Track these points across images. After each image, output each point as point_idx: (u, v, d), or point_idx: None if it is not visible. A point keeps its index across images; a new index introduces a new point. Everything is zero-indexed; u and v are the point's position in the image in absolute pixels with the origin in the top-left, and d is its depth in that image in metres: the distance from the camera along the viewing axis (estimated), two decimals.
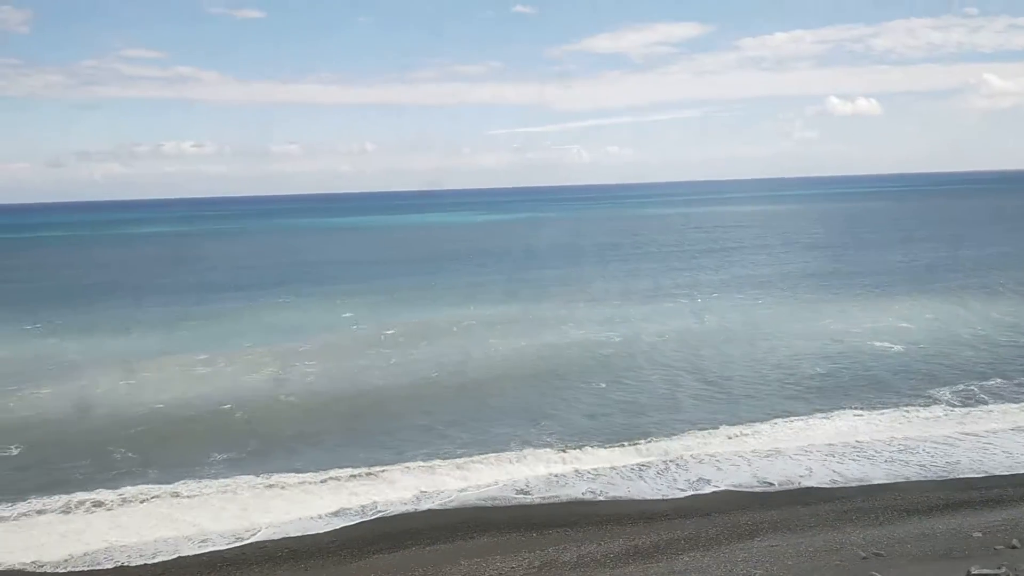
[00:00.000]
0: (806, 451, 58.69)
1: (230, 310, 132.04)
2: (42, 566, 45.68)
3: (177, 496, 54.04)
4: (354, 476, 56.10)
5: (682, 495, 52.57)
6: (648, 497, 52.49)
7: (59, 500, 55.09)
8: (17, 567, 46.16)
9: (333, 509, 51.03)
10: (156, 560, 45.75)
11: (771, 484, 53.59)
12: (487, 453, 59.96)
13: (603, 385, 78.11)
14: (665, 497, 52.38)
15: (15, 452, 65.70)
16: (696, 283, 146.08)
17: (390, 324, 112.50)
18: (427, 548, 45.39)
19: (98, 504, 54.07)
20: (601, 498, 52.55)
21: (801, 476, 54.57)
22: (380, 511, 51.30)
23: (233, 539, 47.93)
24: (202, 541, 47.70)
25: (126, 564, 45.57)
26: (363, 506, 51.79)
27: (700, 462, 57.54)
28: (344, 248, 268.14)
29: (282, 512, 50.65)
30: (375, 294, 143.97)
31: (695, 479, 54.69)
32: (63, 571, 45.37)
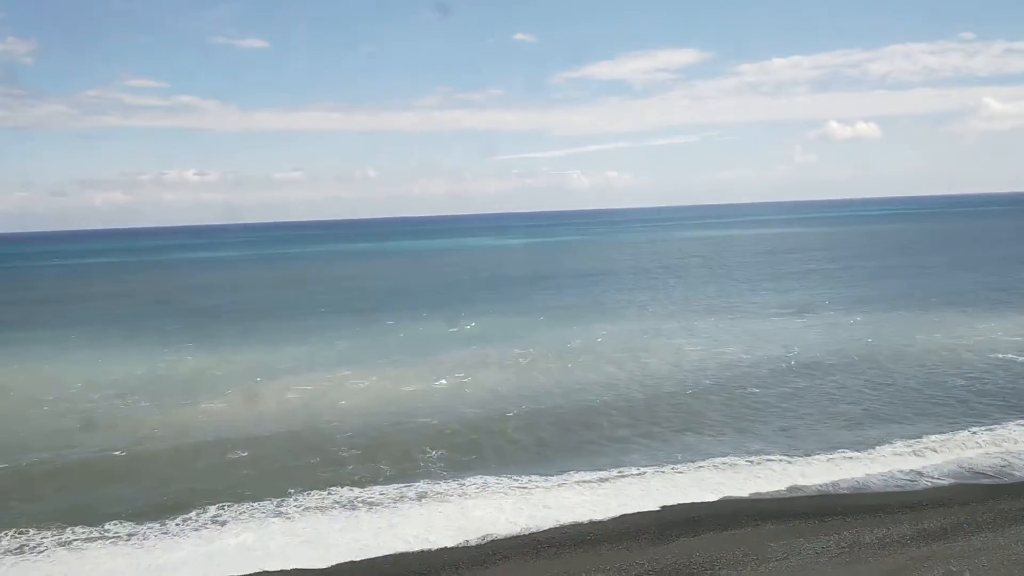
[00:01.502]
0: None
1: (382, 325, 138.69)
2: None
3: (465, 496, 59.38)
4: (634, 474, 61.78)
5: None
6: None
7: (343, 493, 60.26)
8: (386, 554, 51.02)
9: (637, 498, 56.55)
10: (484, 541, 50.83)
11: None
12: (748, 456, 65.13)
13: (829, 391, 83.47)
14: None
15: (248, 455, 70.75)
16: (803, 302, 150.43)
17: (543, 341, 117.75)
18: (729, 532, 50.41)
19: (401, 498, 59.25)
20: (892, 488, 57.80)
21: None
22: (665, 503, 56.48)
23: (542, 525, 53.09)
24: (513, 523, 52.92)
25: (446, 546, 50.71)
26: (643, 498, 56.88)
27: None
28: (411, 271, 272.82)
29: (576, 504, 55.76)
30: (493, 313, 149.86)
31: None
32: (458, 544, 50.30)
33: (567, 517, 54.78)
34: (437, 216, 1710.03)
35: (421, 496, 61.63)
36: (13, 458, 72.32)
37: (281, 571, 48.98)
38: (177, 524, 58.56)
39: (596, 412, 78.87)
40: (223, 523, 59.33)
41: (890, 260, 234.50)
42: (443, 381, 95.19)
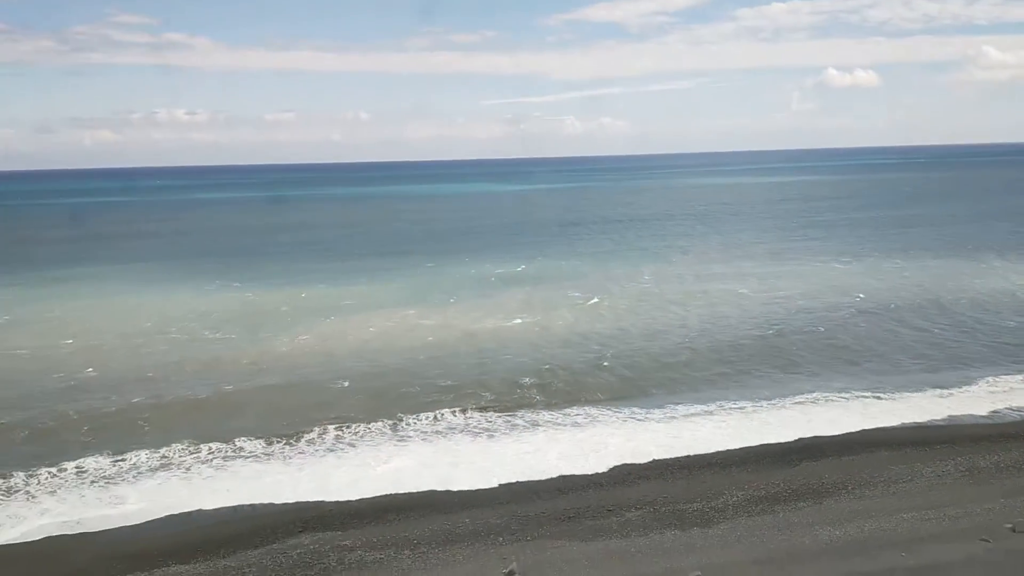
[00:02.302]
0: None
1: (424, 268, 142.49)
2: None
3: (577, 426, 63.36)
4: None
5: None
6: None
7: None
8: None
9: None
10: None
11: None
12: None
13: (904, 332, 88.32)
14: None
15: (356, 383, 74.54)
16: (841, 248, 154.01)
17: (598, 284, 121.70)
18: (847, 458, 54.65)
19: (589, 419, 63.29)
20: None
21: None
22: (779, 433, 60.61)
23: (668, 453, 57.16)
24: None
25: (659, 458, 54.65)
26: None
27: None
28: (432, 216, 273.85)
29: (693, 434, 60.02)
30: (540, 257, 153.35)
31: None
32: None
33: (690, 446, 58.70)
34: (430, 161, 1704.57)
35: (533, 425, 65.54)
36: (131, 390, 75.94)
37: (447, 491, 52.89)
38: (308, 444, 62.55)
39: (684, 351, 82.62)
40: (352, 444, 63.12)
41: (911, 209, 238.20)
42: (517, 320, 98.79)
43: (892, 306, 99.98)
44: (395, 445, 62.75)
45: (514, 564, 41.79)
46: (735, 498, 49.50)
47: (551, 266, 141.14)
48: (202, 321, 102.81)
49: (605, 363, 79.44)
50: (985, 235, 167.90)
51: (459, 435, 64.06)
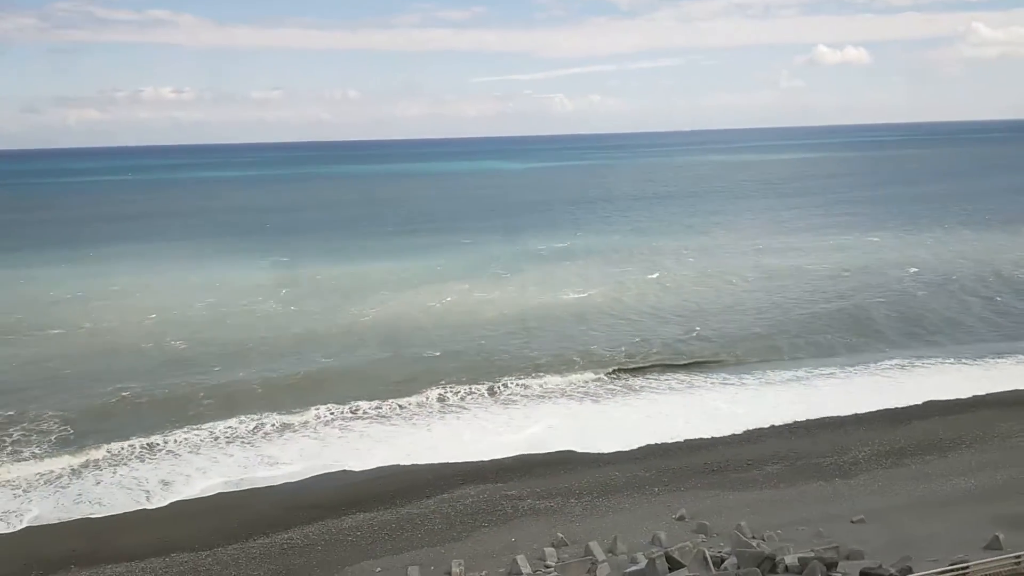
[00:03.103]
0: None
1: (461, 244, 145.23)
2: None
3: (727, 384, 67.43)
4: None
5: None
6: None
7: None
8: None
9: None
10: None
11: None
12: None
13: (977, 301, 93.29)
14: None
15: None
16: (877, 224, 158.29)
17: (651, 258, 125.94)
18: (953, 417, 58.78)
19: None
20: None
21: None
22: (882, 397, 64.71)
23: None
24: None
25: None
26: None
27: None
28: (447, 194, 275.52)
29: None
30: (582, 232, 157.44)
31: None
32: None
33: (800, 409, 62.46)
34: (421, 139, 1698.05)
35: (631, 390, 69.43)
36: (232, 361, 79.41)
37: (585, 452, 56.62)
38: (419, 407, 66.29)
39: (764, 322, 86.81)
40: (463, 407, 66.71)
41: (927, 186, 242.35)
42: (581, 294, 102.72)
43: (953, 276, 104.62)
44: (507, 408, 66.47)
45: (683, 510, 45.58)
46: (863, 453, 53.39)
47: (596, 241, 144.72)
48: (271, 295, 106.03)
49: (693, 333, 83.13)
50: (1010, 209, 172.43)
51: (565, 399, 67.86)
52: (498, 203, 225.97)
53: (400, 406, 67.17)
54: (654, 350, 77.79)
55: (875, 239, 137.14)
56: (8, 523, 48.31)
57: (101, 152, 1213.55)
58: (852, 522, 42.68)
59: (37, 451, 59.40)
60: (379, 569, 40.35)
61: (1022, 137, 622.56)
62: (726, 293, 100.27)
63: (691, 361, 74.68)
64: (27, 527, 47.78)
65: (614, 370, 73.16)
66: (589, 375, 72.30)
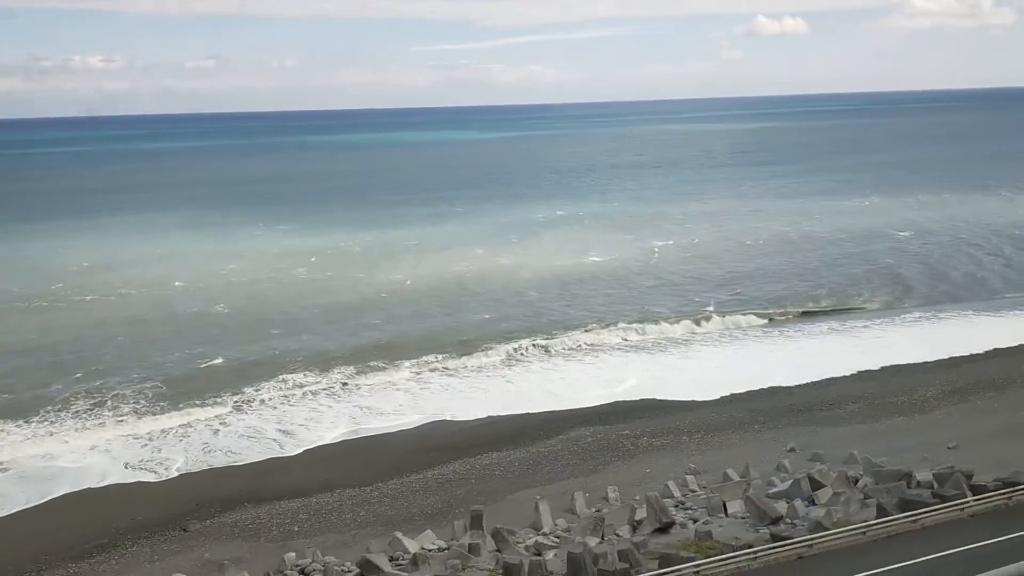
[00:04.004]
0: None
1: (454, 212, 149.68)
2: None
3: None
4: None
5: None
6: None
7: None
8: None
9: None
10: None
11: None
12: None
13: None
14: None
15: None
16: (860, 188, 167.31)
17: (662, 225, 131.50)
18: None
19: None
20: None
21: None
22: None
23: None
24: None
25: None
26: None
27: None
28: (421, 164, 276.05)
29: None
30: (597, 201, 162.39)
31: None
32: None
33: (858, 358, 68.46)
34: (361, 110, 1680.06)
35: (687, 343, 75.09)
36: (286, 323, 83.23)
37: (678, 399, 61.89)
38: (492, 364, 70.83)
39: (795, 278, 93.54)
40: (534, 363, 71.53)
41: (894, 154, 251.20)
42: (602, 258, 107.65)
43: (961, 236, 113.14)
44: (572, 362, 71.60)
45: (792, 443, 51.03)
46: (930, 393, 59.43)
47: (597, 209, 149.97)
48: (298, 263, 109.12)
49: (735, 293, 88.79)
50: (978, 174, 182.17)
51: (635, 352, 73.12)
52: (480, 173, 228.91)
53: (473, 363, 71.51)
54: (697, 309, 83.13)
55: (866, 203, 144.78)
56: (158, 473, 51.80)
57: (27, 124, 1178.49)
58: (948, 448, 48.52)
59: (140, 409, 62.50)
60: (539, 496, 44.87)
61: (961, 107, 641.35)
62: (748, 256, 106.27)
63: (741, 315, 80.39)
64: (180, 475, 51.36)
65: (673, 323, 78.65)
66: (648, 331, 77.44)
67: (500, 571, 34.72)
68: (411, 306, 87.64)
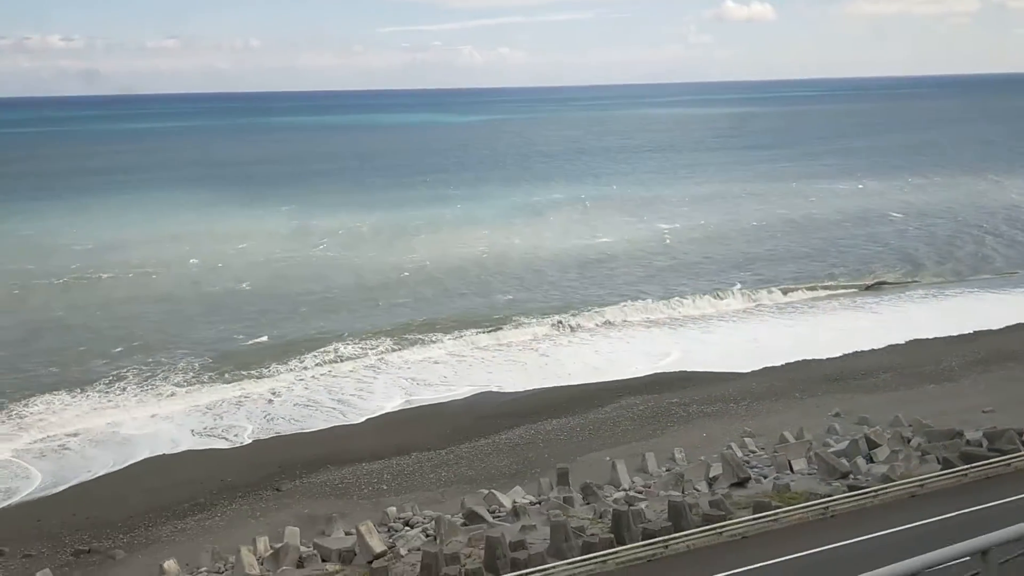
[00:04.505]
0: None
1: (449, 195, 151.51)
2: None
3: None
4: None
5: None
6: None
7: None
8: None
9: None
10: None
11: None
12: None
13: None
14: None
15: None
16: (860, 171, 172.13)
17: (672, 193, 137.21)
18: None
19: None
20: None
21: None
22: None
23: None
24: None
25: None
26: None
27: None
28: (405, 146, 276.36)
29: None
30: (602, 183, 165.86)
31: None
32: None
33: (882, 332, 72.12)
34: (328, 91, 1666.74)
35: (708, 319, 78.13)
36: (326, 308, 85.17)
37: (712, 371, 65.03)
38: (528, 340, 73.54)
39: (843, 262, 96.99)
40: (565, 338, 74.48)
41: (876, 139, 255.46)
42: (625, 237, 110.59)
43: (958, 217, 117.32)
44: (612, 336, 74.59)
45: (836, 408, 54.36)
46: (954, 363, 63.06)
47: (596, 192, 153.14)
48: (307, 243, 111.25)
49: (758, 276, 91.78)
50: (963, 158, 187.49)
51: (668, 328, 76.30)
52: (471, 156, 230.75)
53: (507, 339, 74.15)
54: (720, 287, 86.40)
55: (860, 186, 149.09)
56: (230, 440, 54.09)
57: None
58: (984, 412, 51.98)
59: (190, 381, 64.49)
60: (607, 458, 47.76)
61: (927, 94, 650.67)
62: (758, 237, 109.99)
63: (766, 292, 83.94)
64: (253, 441, 53.69)
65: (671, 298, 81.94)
66: (675, 308, 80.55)
67: (598, 520, 37.63)
68: (436, 285, 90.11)
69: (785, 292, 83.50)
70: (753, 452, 47.87)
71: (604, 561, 28.64)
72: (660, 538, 30.49)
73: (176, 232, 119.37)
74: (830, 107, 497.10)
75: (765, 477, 43.27)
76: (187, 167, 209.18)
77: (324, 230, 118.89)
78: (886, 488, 37.25)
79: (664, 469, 46.15)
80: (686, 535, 31.03)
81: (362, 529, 36.27)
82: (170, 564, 36.16)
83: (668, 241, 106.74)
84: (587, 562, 29.36)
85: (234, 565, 35.07)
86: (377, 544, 35.57)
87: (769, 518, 30.90)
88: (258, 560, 35.41)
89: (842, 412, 53.39)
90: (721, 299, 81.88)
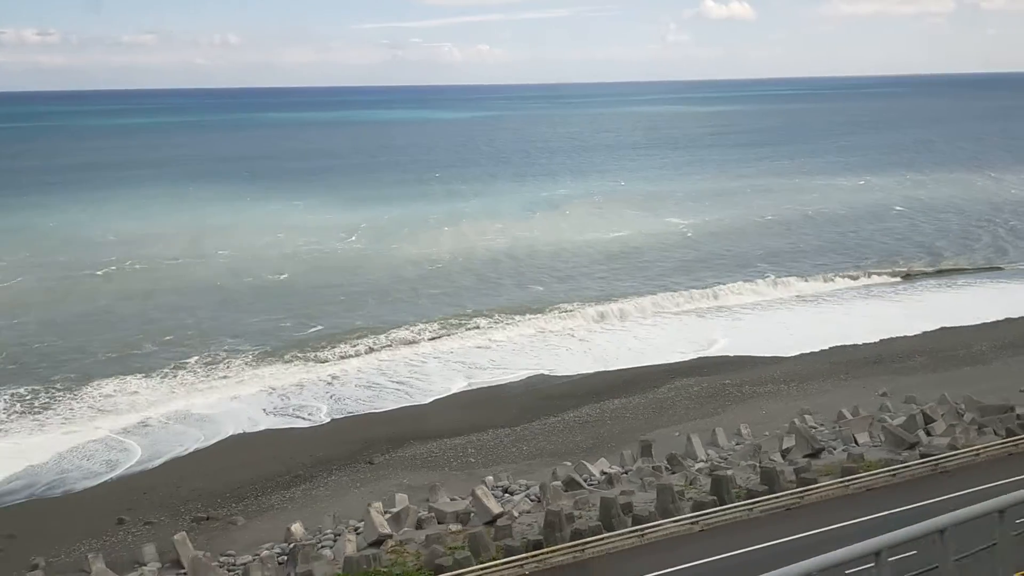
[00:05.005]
0: None
1: (457, 188, 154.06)
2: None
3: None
4: None
5: None
6: None
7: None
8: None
9: None
10: None
11: None
12: None
13: None
14: None
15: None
16: (875, 166, 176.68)
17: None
18: None
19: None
20: None
21: None
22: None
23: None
24: None
25: None
26: None
27: None
28: (411, 141, 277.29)
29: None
30: (612, 178, 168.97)
31: None
32: None
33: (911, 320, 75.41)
34: (308, 87, 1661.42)
35: (807, 305, 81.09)
36: (369, 296, 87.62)
37: (762, 355, 68.05)
38: (567, 327, 76.24)
39: (866, 252, 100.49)
40: (635, 318, 77.37)
41: (867, 136, 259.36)
42: (642, 230, 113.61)
43: (965, 211, 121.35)
44: (649, 324, 77.50)
45: (885, 388, 57.48)
46: (984, 347, 66.43)
47: (605, 187, 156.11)
48: (334, 236, 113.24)
49: (784, 269, 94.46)
50: (957, 155, 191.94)
51: (711, 316, 79.31)
52: (473, 152, 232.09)
53: (550, 327, 76.64)
54: (749, 277, 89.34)
55: (862, 182, 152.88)
56: (308, 419, 56.51)
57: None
58: (1021, 391, 55.24)
59: (252, 366, 66.66)
60: (677, 433, 50.69)
61: (906, 93, 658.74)
62: (776, 231, 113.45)
63: (802, 281, 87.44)
64: (331, 420, 56.13)
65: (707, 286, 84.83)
66: (707, 298, 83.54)
67: (690, 485, 40.51)
68: (471, 276, 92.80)
69: (815, 280, 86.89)
70: (814, 428, 50.87)
71: (751, 508, 31.89)
72: (798, 488, 34.36)
73: (199, 225, 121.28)
74: (813, 106, 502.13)
75: (834, 449, 46.37)
76: (193, 162, 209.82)
77: (345, 224, 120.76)
78: (954, 455, 40.55)
79: (734, 443, 49.08)
80: (818, 487, 35.41)
81: (478, 492, 38.90)
82: (296, 527, 38.66)
83: (689, 235, 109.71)
84: (734, 510, 32.90)
85: (364, 525, 37.56)
86: (494, 506, 38.24)
87: (887, 473, 34.30)
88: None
89: (888, 392, 56.53)
90: (753, 289, 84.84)
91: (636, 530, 33.39)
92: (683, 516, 34.64)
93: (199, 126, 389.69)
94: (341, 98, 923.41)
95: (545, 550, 32.56)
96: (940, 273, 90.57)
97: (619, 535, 32.67)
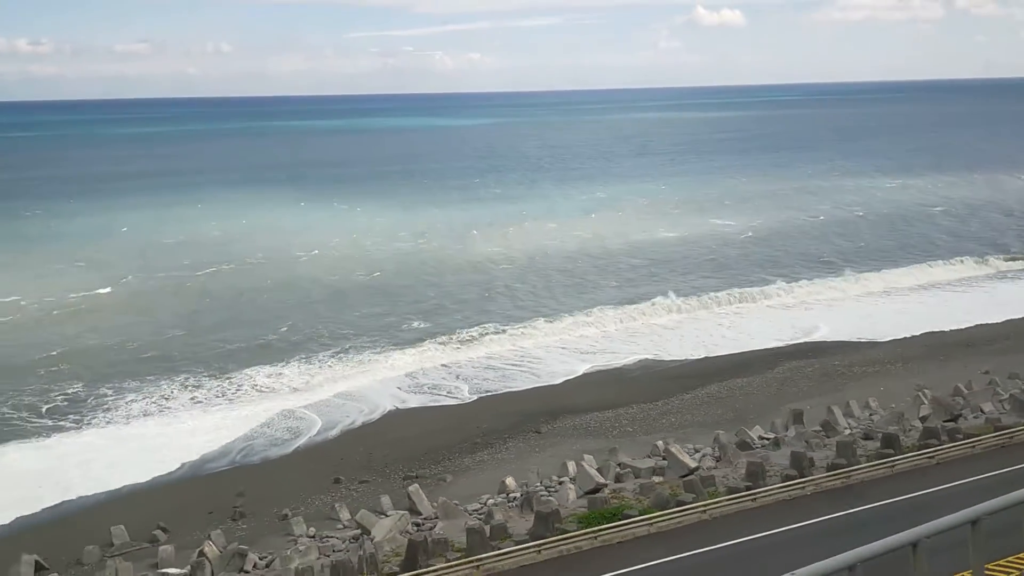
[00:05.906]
0: None
1: (488, 192, 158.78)
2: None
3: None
4: None
5: None
6: None
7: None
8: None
9: None
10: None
11: None
12: None
13: None
14: None
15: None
16: (881, 170, 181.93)
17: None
18: None
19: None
20: None
21: None
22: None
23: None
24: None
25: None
26: None
27: None
28: (446, 148, 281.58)
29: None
30: (639, 181, 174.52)
31: None
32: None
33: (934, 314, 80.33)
34: (300, 96, 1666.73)
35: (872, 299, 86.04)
36: (455, 282, 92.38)
37: (859, 340, 72.86)
38: (649, 321, 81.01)
39: (868, 239, 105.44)
40: (713, 309, 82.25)
41: (880, 140, 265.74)
42: (685, 232, 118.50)
43: (1013, 209, 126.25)
44: (737, 314, 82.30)
45: (987, 367, 62.29)
46: (1005, 345, 70.50)
47: (639, 189, 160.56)
48: (404, 238, 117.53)
49: (837, 273, 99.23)
50: (974, 158, 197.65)
51: (800, 307, 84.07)
52: (503, 159, 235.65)
53: (647, 316, 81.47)
54: (827, 272, 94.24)
55: (896, 183, 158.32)
56: (455, 398, 61.12)
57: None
58: None
59: (380, 354, 70.94)
60: (809, 407, 55.30)
61: (902, 98, 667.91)
62: (835, 231, 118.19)
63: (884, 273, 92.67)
64: (477, 398, 60.72)
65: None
66: (791, 291, 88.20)
67: (852, 444, 45.27)
68: (554, 273, 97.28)
69: (889, 273, 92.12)
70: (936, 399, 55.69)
71: (931, 456, 36.63)
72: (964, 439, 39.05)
73: (269, 228, 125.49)
74: (813, 111, 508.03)
75: (965, 416, 51.16)
76: (226, 171, 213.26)
77: (410, 227, 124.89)
78: None
79: (867, 415, 53.82)
80: (983, 437, 41.56)
81: (673, 449, 43.59)
82: (510, 480, 43.26)
83: (749, 234, 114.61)
84: (916, 457, 37.32)
85: (579, 476, 42.17)
86: (689, 461, 42.93)
87: None
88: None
89: (990, 370, 61.30)
90: (831, 285, 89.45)
91: (840, 473, 38.21)
92: (875, 462, 39.39)
93: (208, 135, 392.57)
94: (339, 107, 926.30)
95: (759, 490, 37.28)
96: (1013, 260, 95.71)
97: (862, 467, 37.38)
